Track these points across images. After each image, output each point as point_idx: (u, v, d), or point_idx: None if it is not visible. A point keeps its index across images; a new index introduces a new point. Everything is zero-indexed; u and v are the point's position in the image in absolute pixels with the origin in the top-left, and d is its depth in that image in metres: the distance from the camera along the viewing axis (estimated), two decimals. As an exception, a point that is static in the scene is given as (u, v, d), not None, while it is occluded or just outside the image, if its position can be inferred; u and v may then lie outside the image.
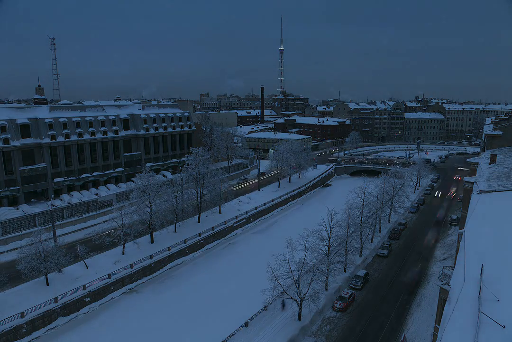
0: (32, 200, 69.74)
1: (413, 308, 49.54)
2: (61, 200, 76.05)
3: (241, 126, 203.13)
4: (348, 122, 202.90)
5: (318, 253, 48.47)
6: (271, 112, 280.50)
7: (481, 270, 18.76)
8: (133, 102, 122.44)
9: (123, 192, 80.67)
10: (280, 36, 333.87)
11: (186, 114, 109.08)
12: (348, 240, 55.99)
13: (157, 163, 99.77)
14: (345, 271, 57.10)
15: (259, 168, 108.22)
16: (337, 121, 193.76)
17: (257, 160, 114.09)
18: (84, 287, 48.84)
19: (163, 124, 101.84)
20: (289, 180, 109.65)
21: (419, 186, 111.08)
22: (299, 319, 44.74)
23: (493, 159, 47.18)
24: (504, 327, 14.59)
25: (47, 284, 48.67)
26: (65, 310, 46.54)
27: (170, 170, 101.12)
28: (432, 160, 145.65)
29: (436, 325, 32.67)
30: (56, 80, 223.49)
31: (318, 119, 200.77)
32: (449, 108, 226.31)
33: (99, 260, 55.88)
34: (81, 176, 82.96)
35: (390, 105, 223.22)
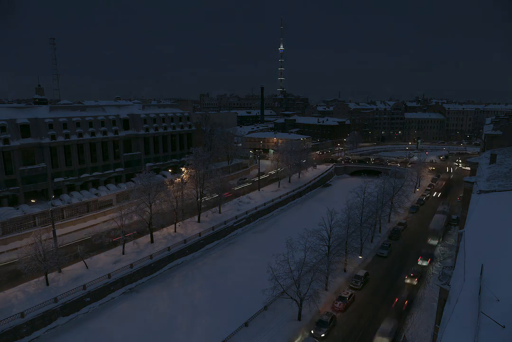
0: (32, 200, 69.74)
1: (413, 308, 49.50)
2: (61, 200, 75.97)
3: (241, 126, 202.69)
4: (348, 122, 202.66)
5: (318, 253, 48.52)
6: (271, 112, 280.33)
7: (481, 270, 18.75)
8: (133, 102, 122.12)
9: (123, 192, 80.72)
10: (280, 36, 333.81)
11: (186, 114, 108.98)
12: (348, 240, 55.99)
13: (157, 163, 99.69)
14: (345, 271, 57.13)
15: (259, 169, 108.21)
16: (337, 121, 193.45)
17: (257, 160, 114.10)
18: (84, 287, 48.84)
19: (163, 124, 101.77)
20: (289, 179, 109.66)
21: (419, 186, 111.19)
22: (299, 319, 44.76)
23: (493, 159, 47.17)
24: (504, 327, 14.57)
25: (47, 284, 48.75)
26: (65, 310, 46.54)
27: (170, 170, 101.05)
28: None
29: (436, 325, 32.63)
30: (56, 80, 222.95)
31: (318, 119, 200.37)
32: (449, 108, 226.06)
33: (99, 260, 55.98)
34: (81, 176, 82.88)
35: (390, 105, 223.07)
